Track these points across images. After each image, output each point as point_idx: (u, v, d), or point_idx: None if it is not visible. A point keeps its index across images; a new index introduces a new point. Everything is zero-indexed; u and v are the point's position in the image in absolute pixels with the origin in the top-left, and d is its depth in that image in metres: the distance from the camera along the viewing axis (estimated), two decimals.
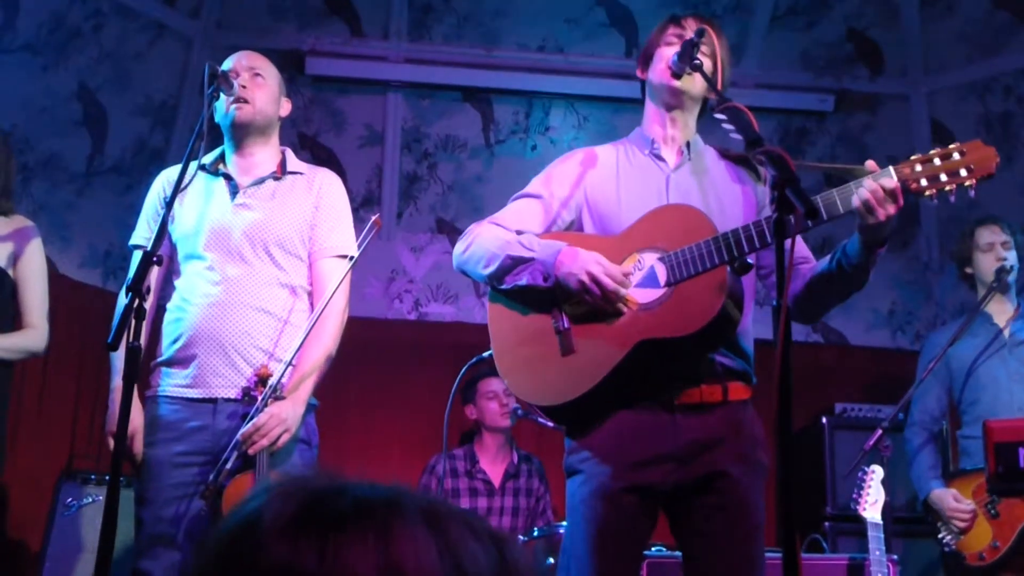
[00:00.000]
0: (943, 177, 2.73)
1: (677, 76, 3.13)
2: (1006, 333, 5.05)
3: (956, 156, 2.74)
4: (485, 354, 3.35)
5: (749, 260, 2.93)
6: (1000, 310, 5.08)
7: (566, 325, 3.06)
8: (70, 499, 5.38)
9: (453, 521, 1.02)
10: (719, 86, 3.10)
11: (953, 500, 4.86)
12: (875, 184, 2.73)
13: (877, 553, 4.59)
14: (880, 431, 4.72)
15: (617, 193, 3.22)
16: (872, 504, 4.71)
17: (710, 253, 2.89)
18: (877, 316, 7.34)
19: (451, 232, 7.04)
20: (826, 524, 5.94)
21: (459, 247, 3.31)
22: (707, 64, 3.10)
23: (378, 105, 7.04)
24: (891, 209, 2.74)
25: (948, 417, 5.27)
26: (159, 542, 3.54)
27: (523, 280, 3.09)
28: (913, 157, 2.77)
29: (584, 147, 3.45)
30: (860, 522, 4.73)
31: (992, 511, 4.78)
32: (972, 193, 2.76)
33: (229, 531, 1.01)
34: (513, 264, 3.11)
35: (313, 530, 0.96)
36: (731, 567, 3.00)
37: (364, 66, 6.93)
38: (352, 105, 7.04)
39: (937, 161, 2.74)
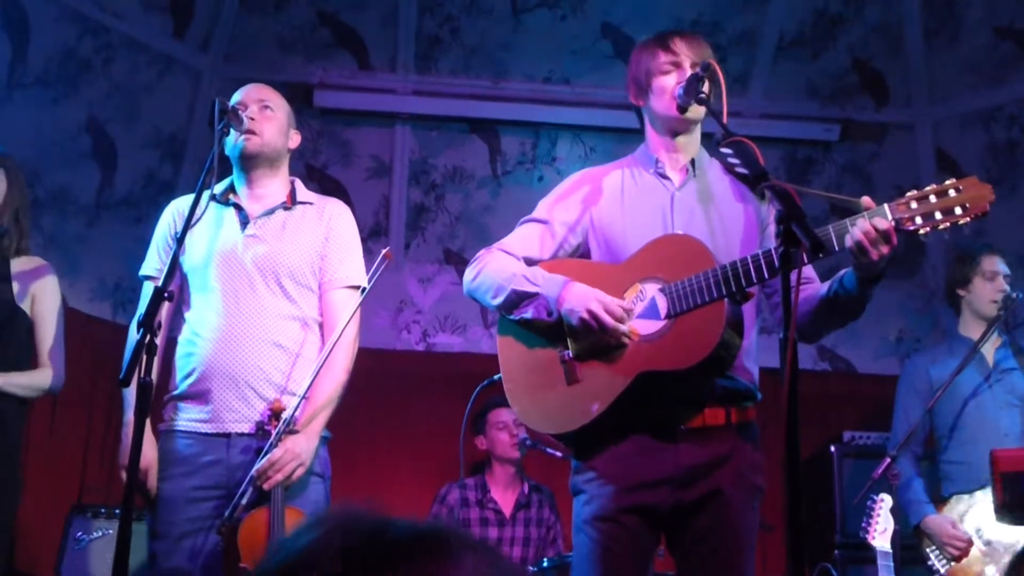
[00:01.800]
0: (938, 215, 2.74)
1: (683, 110, 3.15)
2: (991, 361, 5.07)
3: (952, 193, 2.75)
4: (496, 376, 3.39)
5: (749, 291, 2.96)
6: (986, 338, 5.09)
7: (570, 356, 3.11)
8: (80, 533, 5.38)
9: (488, 557, 1.05)
10: (724, 116, 3.12)
11: (950, 527, 4.86)
12: (868, 225, 2.75)
13: None
14: (889, 459, 4.73)
15: (622, 215, 3.26)
16: (881, 532, 4.71)
17: (709, 286, 2.92)
18: (884, 344, 7.34)
19: (459, 263, 7.06)
20: (836, 552, 5.92)
21: (469, 274, 3.37)
22: (711, 94, 3.12)
23: (386, 137, 7.07)
24: (884, 249, 2.77)
25: (931, 443, 5.26)
26: None
27: (528, 314, 3.15)
28: (909, 194, 2.78)
29: (589, 168, 3.48)
30: (870, 550, 4.73)
31: (983, 538, 4.79)
32: (966, 231, 2.78)
33: (281, 567, 1.02)
34: (519, 299, 3.17)
35: (371, 564, 0.98)
36: None
37: (372, 98, 6.97)
38: (360, 137, 7.08)
39: (932, 199, 2.75)
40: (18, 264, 4.34)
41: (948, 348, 5.16)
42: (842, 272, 3.01)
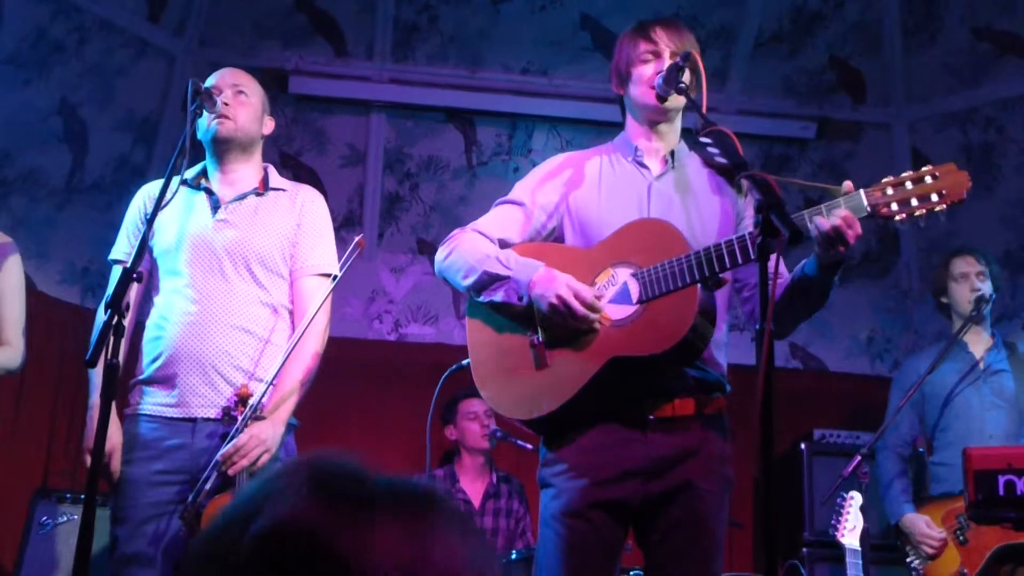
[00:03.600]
0: (914, 202, 2.72)
1: (662, 99, 3.13)
2: (981, 363, 5.10)
3: (928, 180, 2.73)
4: (464, 362, 3.36)
5: (722, 276, 2.94)
6: (976, 340, 5.14)
7: (540, 340, 3.09)
8: (45, 517, 5.33)
9: (476, 534, 1.02)
10: (704, 107, 3.10)
11: (924, 526, 4.90)
12: (839, 221, 2.72)
13: None
14: (859, 457, 4.74)
15: (599, 201, 3.24)
16: (850, 530, 4.72)
17: (683, 271, 2.90)
18: (856, 343, 7.36)
19: (432, 253, 6.94)
20: (804, 550, 5.93)
21: (441, 253, 3.34)
22: (691, 84, 3.10)
23: (361, 125, 7.04)
24: (846, 243, 2.76)
25: (924, 443, 5.30)
26: (135, 561, 3.50)
27: (499, 297, 3.13)
28: (885, 180, 2.76)
29: (569, 152, 3.47)
30: (838, 548, 4.74)
31: (961, 538, 4.82)
32: (943, 218, 2.76)
33: (248, 498, 0.98)
34: (490, 280, 3.14)
35: (345, 504, 0.94)
36: None
37: (348, 86, 6.93)
38: (335, 125, 7.04)
39: (909, 185, 2.73)
40: None
41: (941, 351, 5.17)
42: (802, 263, 3.01)
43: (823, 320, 7.13)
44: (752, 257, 2.74)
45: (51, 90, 6.13)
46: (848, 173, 7.08)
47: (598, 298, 3.01)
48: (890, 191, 2.75)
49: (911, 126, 7.09)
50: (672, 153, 3.30)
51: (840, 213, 2.73)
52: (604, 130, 6.71)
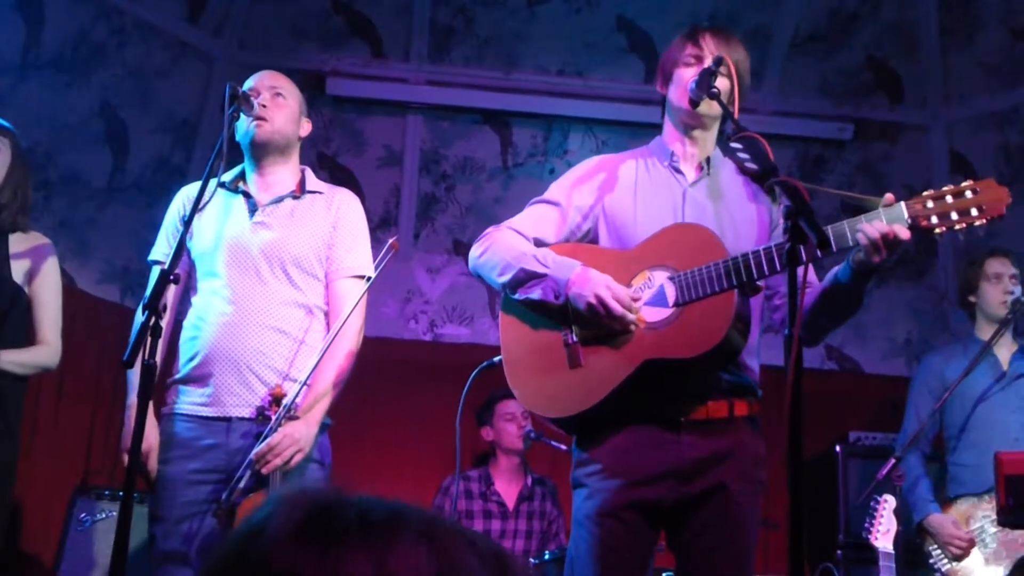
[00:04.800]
0: (954, 216, 2.74)
1: (695, 104, 3.14)
2: (1005, 366, 5.06)
3: (968, 195, 2.74)
4: (496, 359, 3.37)
5: (758, 283, 2.95)
6: (1002, 343, 5.09)
7: (574, 340, 3.10)
8: (84, 514, 5.39)
9: (455, 539, 1.04)
10: (736, 113, 3.10)
11: (952, 526, 4.87)
12: (887, 227, 2.74)
13: None
14: (893, 460, 4.73)
15: (634, 205, 3.25)
16: (884, 533, 4.70)
17: (719, 276, 2.91)
18: (893, 345, 7.32)
19: (467, 254, 7.02)
20: (839, 552, 5.91)
21: (475, 250, 3.35)
22: (724, 91, 3.11)
23: (398, 126, 7.06)
24: (895, 252, 2.77)
25: (943, 444, 5.26)
26: (171, 559, 3.56)
27: (535, 294, 3.13)
28: (925, 193, 2.78)
29: (604, 155, 3.48)
30: (872, 551, 4.72)
31: (985, 540, 4.79)
32: (982, 233, 2.77)
33: (237, 539, 1.04)
34: (527, 278, 3.15)
35: (315, 540, 0.99)
36: None
37: (385, 87, 6.96)
38: (372, 126, 7.07)
39: (949, 199, 2.75)
40: (18, 241, 4.32)
41: (963, 349, 5.15)
42: (835, 269, 3.01)
43: (859, 322, 7.09)
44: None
45: (92, 92, 6.19)
46: (885, 175, 7.09)
47: (634, 300, 3.02)
48: (930, 204, 2.76)
49: (948, 127, 7.03)
50: (708, 160, 3.30)
51: (903, 234, 2.74)
52: (639, 131, 6.72)
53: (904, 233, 2.73)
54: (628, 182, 3.31)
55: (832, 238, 2.78)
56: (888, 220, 2.76)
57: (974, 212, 2.73)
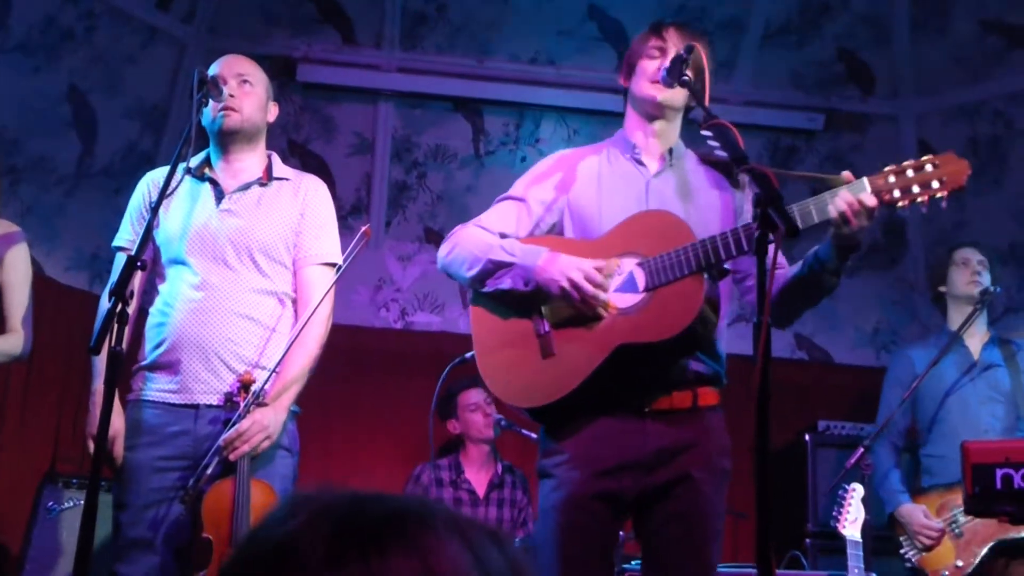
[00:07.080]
0: (915, 189, 2.81)
1: (669, 85, 3.14)
2: (976, 356, 5.09)
3: (929, 168, 2.82)
4: (468, 355, 3.38)
5: (726, 266, 2.97)
6: (973, 332, 5.11)
7: (546, 329, 3.11)
8: (51, 502, 5.37)
9: (475, 529, 1.04)
10: (706, 101, 3.12)
11: (923, 516, 4.90)
12: (851, 197, 2.80)
13: (856, 571, 4.60)
14: (862, 449, 4.74)
15: (598, 198, 3.26)
16: (852, 522, 4.72)
17: (688, 260, 2.94)
18: (861, 335, 7.36)
19: (439, 242, 6.92)
20: (807, 541, 5.94)
21: (443, 248, 3.37)
22: (694, 79, 3.12)
23: (369, 113, 7.04)
24: (865, 220, 2.82)
25: (915, 434, 5.30)
26: (137, 546, 3.54)
27: (504, 284, 3.15)
28: (887, 168, 2.85)
29: (566, 150, 3.49)
30: (840, 539, 4.74)
31: (956, 530, 4.82)
32: (944, 204, 2.82)
33: (265, 561, 0.99)
34: (495, 268, 3.16)
35: (354, 552, 0.96)
36: (684, 575, 3.06)
37: (356, 74, 6.93)
38: (343, 113, 7.04)
39: (910, 173, 2.82)
40: None
41: (935, 341, 5.18)
42: (815, 248, 3.03)
43: (829, 311, 7.13)
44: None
45: (60, 77, 6.15)
46: (854, 165, 7.07)
47: (606, 279, 3.03)
48: (892, 178, 2.83)
49: (919, 119, 7.07)
50: (670, 151, 3.32)
51: (869, 201, 2.80)
52: (611, 120, 6.70)
53: (871, 200, 2.79)
54: (591, 175, 3.32)
55: (798, 217, 2.82)
56: (853, 193, 2.81)
57: (935, 184, 2.81)
